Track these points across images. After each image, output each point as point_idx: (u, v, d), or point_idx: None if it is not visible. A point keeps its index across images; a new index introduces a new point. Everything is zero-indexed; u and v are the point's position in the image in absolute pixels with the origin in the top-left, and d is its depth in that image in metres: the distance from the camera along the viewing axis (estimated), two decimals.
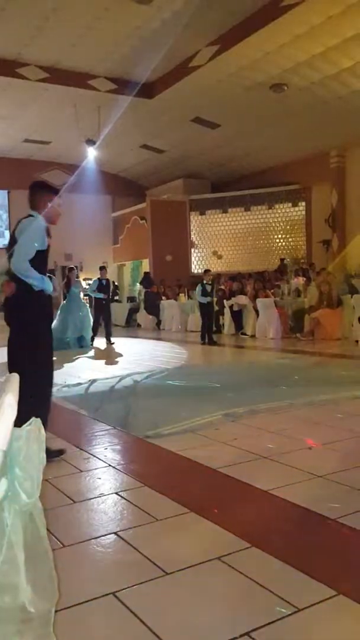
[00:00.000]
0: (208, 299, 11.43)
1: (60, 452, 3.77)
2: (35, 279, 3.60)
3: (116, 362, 9.09)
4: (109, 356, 9.90)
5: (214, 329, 12.11)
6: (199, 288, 11.60)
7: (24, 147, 17.63)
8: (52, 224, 3.84)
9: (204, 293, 11.43)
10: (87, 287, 12.94)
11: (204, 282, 11.54)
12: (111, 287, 12.63)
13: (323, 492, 3.04)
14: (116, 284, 19.10)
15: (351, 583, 2.12)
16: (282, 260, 16.66)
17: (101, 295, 11.70)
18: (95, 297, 11.89)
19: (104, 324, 11.79)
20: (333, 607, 1.98)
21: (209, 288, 11.47)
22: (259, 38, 10.65)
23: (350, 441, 4.02)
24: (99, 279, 11.95)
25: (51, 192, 3.85)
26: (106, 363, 9.09)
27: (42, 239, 3.68)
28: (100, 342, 11.53)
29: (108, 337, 11.68)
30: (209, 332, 11.47)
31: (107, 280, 12.06)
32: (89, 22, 10.70)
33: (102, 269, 12.21)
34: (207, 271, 12.25)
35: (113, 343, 11.55)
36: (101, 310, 11.75)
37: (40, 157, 18.36)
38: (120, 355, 9.93)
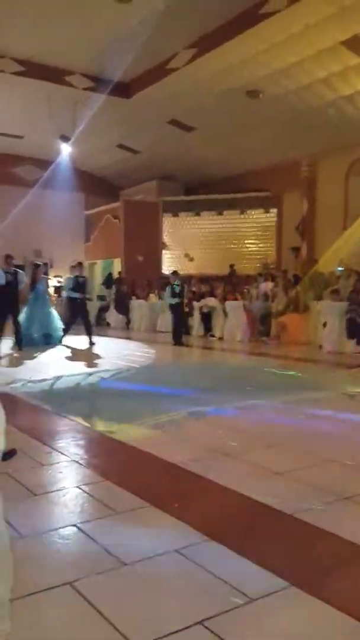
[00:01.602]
0: (177, 299, 11.47)
1: (10, 454, 3.47)
2: None
3: (84, 360, 9.05)
4: (76, 354, 9.82)
5: (183, 329, 12.16)
6: (168, 289, 11.64)
7: None
8: None
9: (173, 294, 11.48)
10: (60, 284, 11.82)
11: (173, 283, 11.58)
12: (88, 285, 11.65)
13: (281, 489, 3.11)
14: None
15: (303, 575, 2.18)
16: (231, 266, 16.91)
17: (77, 295, 10.82)
18: (70, 297, 11.06)
19: (83, 324, 10.89)
20: (285, 598, 2.04)
21: (177, 289, 11.53)
22: (236, 44, 10.75)
23: (310, 441, 4.12)
24: (76, 276, 11.01)
25: None
26: (73, 360, 9.03)
27: None
28: (71, 341, 11.00)
29: (89, 336, 10.78)
30: (178, 333, 11.52)
31: (85, 278, 11.29)
32: (67, 17, 10.63)
33: (80, 265, 11.40)
34: (175, 272, 12.28)
35: (94, 344, 10.71)
36: (77, 310, 10.92)
37: (13, 152, 18.07)
38: (89, 353, 9.87)
